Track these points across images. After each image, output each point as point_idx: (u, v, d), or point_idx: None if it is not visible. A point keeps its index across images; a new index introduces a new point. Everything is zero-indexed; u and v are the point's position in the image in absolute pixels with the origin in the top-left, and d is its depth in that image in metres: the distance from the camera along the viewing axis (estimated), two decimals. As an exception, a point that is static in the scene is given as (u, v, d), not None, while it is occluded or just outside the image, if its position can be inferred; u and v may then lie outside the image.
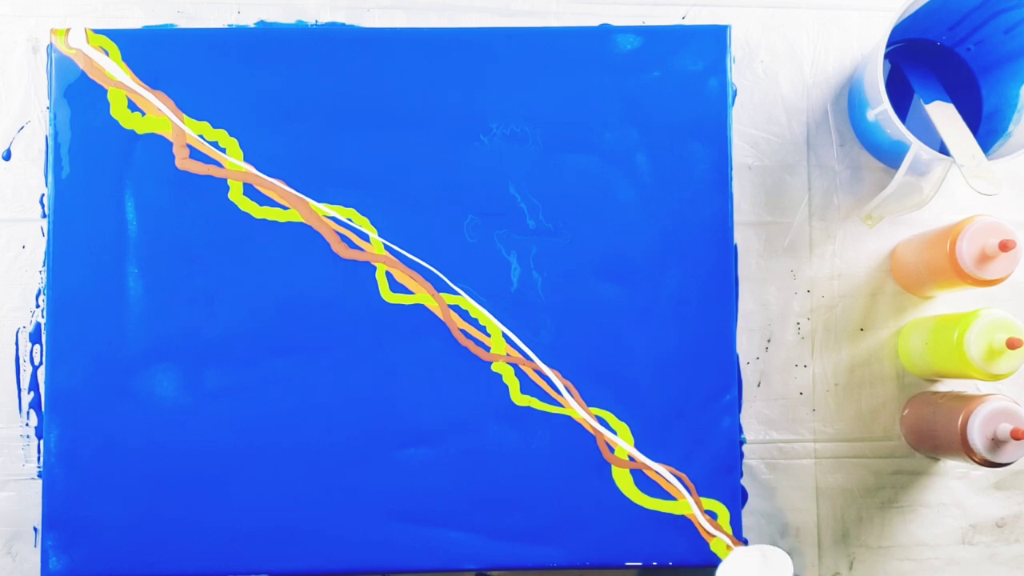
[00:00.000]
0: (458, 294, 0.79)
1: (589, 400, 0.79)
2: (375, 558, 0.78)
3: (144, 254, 0.79)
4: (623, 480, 0.79)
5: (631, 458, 0.79)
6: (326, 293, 0.79)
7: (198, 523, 0.78)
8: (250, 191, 0.80)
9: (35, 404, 0.80)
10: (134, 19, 0.83)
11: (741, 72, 0.84)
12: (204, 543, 0.78)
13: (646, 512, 0.79)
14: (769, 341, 0.83)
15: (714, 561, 0.78)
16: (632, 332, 0.80)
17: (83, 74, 0.80)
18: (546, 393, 0.79)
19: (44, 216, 0.81)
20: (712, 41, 0.82)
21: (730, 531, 0.79)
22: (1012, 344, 0.71)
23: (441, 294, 0.79)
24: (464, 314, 0.79)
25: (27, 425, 0.81)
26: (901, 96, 0.82)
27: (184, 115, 0.80)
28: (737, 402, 0.81)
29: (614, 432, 0.79)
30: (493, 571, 0.79)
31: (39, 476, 0.80)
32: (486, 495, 0.78)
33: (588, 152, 0.81)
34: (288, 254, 0.79)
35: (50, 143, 0.80)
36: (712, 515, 0.79)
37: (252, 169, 0.80)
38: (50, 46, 0.80)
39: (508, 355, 0.79)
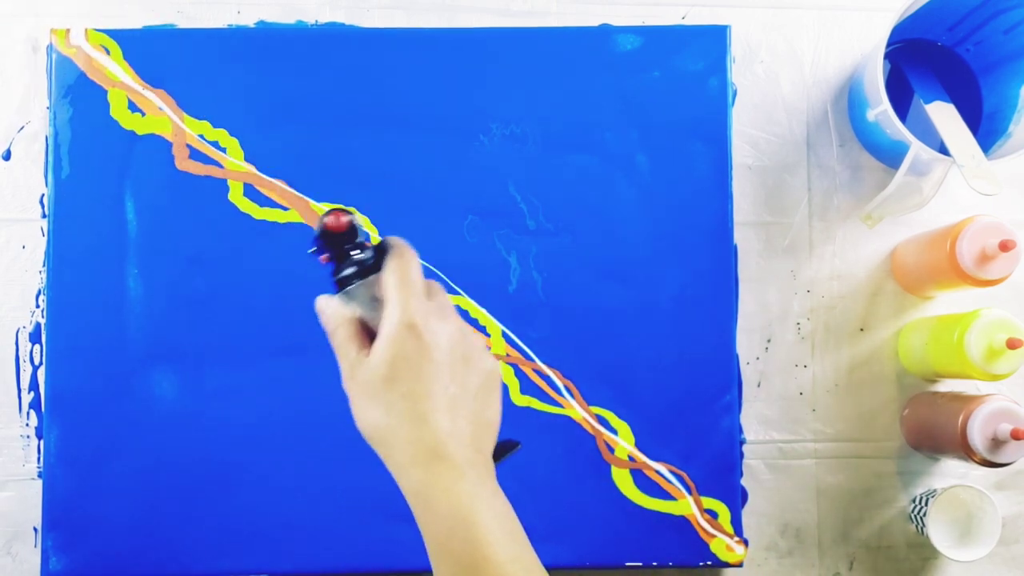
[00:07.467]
0: (458, 294, 0.79)
1: (589, 399, 0.79)
2: (375, 558, 0.78)
3: (144, 254, 0.79)
4: (623, 480, 0.79)
5: (631, 458, 0.79)
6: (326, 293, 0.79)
7: (198, 523, 0.78)
8: (250, 191, 0.80)
9: (35, 404, 0.80)
10: (134, 19, 0.83)
11: (741, 72, 0.84)
12: (204, 543, 0.78)
13: (646, 512, 0.79)
14: (769, 341, 0.83)
15: (714, 561, 0.78)
16: (632, 332, 0.80)
17: (83, 74, 0.80)
18: (546, 393, 0.79)
19: (44, 216, 0.81)
20: (712, 41, 0.82)
21: (731, 531, 0.79)
22: (1012, 344, 0.71)
23: (441, 294, 0.79)
24: (464, 314, 0.79)
25: (27, 425, 0.80)
26: (901, 96, 0.82)
27: (185, 114, 0.80)
28: (737, 402, 0.81)
29: (614, 431, 0.79)
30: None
31: (39, 476, 0.80)
32: (486, 495, 0.78)
33: (588, 152, 0.81)
34: (288, 254, 0.79)
35: (50, 143, 0.80)
36: (712, 514, 0.79)
37: (253, 169, 0.80)
38: (50, 46, 0.80)
39: (508, 355, 0.79)
